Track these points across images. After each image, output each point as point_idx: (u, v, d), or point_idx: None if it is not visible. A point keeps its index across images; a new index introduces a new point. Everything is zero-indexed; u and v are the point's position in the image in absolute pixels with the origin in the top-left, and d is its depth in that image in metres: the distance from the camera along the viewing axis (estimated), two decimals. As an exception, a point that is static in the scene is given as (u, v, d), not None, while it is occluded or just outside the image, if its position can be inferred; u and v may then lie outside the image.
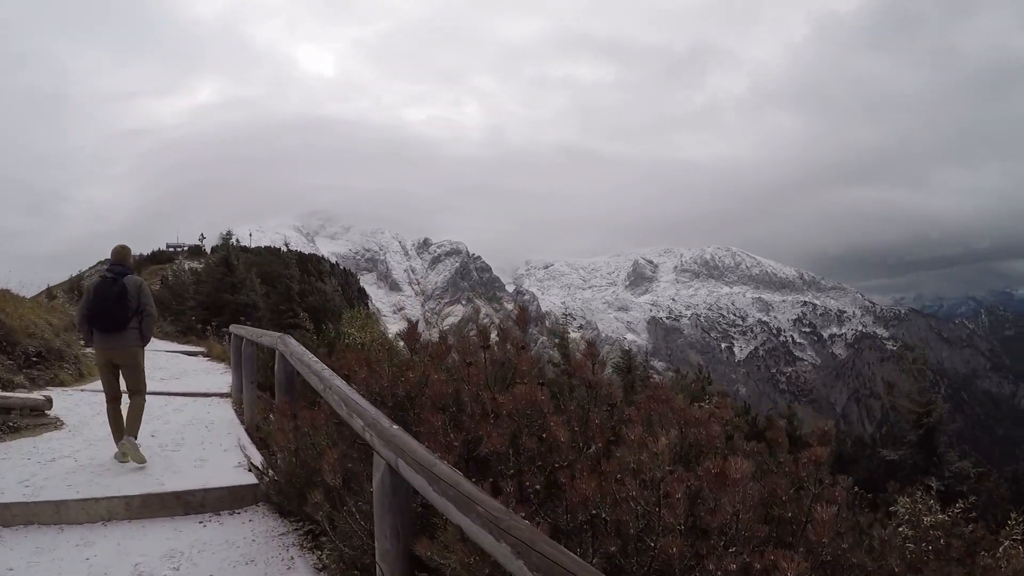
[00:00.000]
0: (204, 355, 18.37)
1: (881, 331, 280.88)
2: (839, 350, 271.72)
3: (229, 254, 27.77)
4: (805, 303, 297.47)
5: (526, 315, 4.31)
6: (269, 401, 7.19)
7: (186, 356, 17.90)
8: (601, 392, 3.42)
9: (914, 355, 20.63)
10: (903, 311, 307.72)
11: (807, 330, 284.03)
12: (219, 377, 13.46)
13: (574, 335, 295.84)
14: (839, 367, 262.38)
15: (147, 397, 6.60)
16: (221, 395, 10.61)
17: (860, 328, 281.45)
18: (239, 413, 8.86)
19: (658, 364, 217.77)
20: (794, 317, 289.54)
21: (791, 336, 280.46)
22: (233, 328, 10.06)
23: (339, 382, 4.17)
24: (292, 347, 5.89)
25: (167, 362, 15.59)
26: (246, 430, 7.71)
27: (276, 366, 6.27)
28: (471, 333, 4.04)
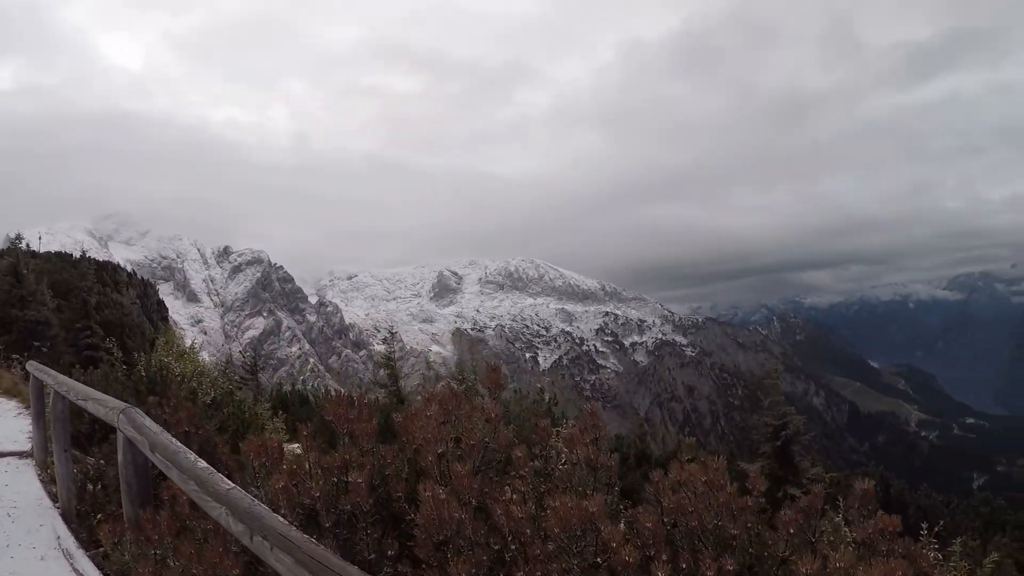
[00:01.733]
0: (-12, 386, 15.83)
1: (680, 338, 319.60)
2: (640, 357, 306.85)
3: (18, 262, 27.03)
4: (607, 313, 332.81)
5: (499, 377, 3.98)
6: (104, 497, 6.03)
7: None
8: (600, 474, 3.32)
9: (769, 371, 24.69)
10: (701, 319, 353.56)
11: (609, 339, 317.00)
12: (10, 421, 11.24)
13: (378, 348, 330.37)
14: (641, 373, 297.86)
15: None
16: (17, 454, 8.62)
17: (660, 336, 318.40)
18: (47, 485, 7.12)
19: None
20: (596, 327, 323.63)
21: (594, 345, 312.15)
22: (34, 369, 8.21)
23: (262, 509, 2.95)
24: (153, 436, 4.06)
25: None
26: (63, 517, 6.12)
27: (120, 455, 4.48)
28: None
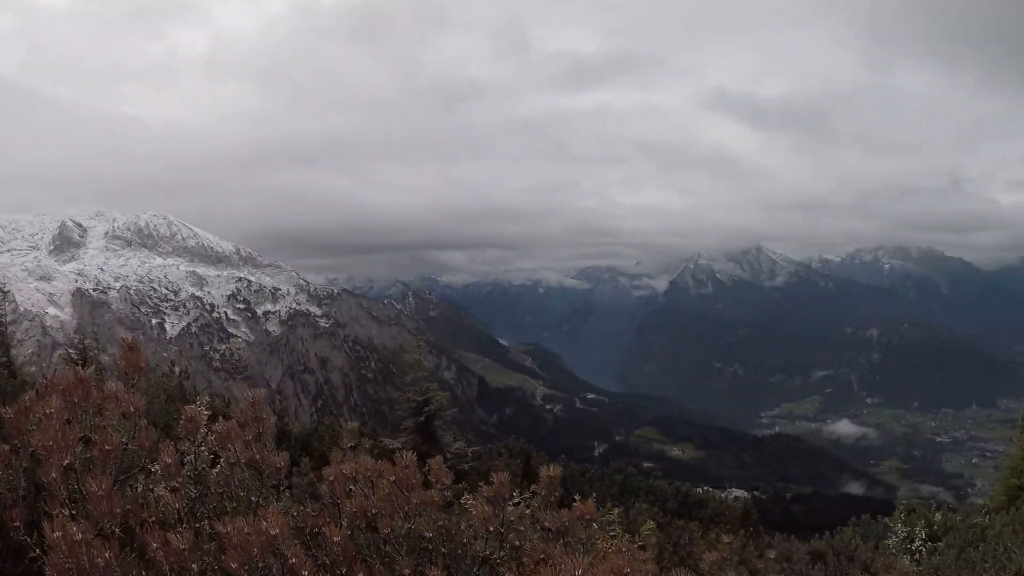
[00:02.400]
0: None
1: (314, 309, 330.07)
2: (273, 327, 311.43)
3: None
4: (240, 279, 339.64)
5: (139, 358, 3.21)
6: None
7: None
8: (268, 477, 2.98)
9: (411, 347, 25.55)
10: (336, 291, 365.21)
11: (241, 306, 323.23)
12: None
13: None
14: (273, 344, 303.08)
15: None
16: None
17: (294, 306, 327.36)
18: None
19: (86, 343, 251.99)
20: (228, 293, 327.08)
21: (225, 312, 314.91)
22: None
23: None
24: None
25: None
26: None
27: None
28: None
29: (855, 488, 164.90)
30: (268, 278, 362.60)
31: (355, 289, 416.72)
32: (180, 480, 2.88)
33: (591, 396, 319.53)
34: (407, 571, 2.55)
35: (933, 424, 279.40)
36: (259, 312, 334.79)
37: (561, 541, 2.93)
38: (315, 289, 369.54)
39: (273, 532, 2.36)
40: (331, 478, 2.84)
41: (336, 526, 2.61)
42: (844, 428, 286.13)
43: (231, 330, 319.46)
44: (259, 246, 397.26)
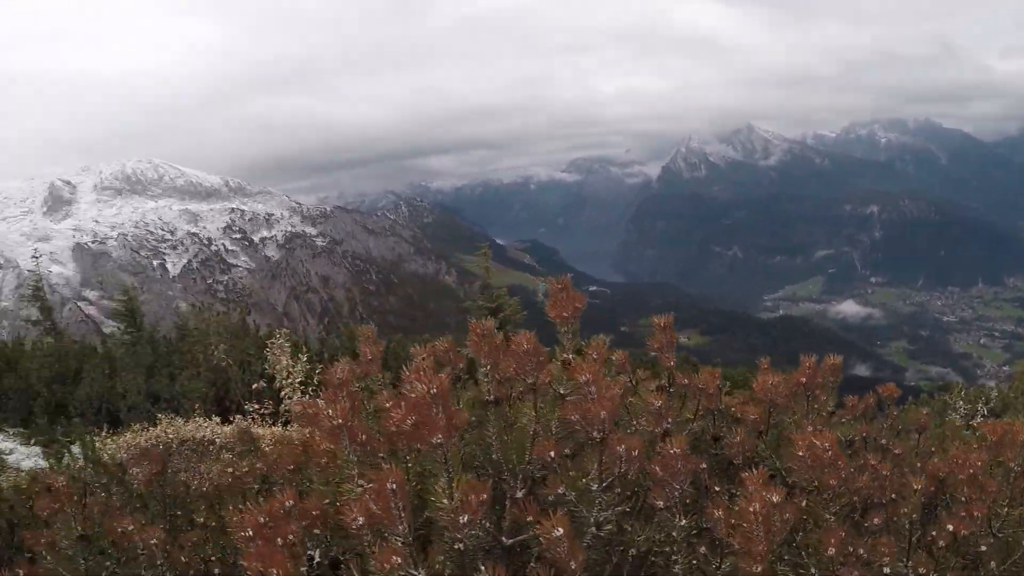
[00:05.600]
0: None
1: (310, 229, 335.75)
2: (272, 252, 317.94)
3: None
4: (233, 210, 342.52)
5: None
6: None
7: None
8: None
9: (479, 254, 22.48)
10: (329, 208, 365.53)
11: (238, 236, 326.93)
12: None
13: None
14: (274, 268, 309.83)
15: None
16: None
17: (289, 228, 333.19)
18: None
19: (91, 294, 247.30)
20: (223, 225, 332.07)
21: (223, 244, 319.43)
22: None
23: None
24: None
25: None
26: None
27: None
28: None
29: (862, 370, 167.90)
30: (260, 205, 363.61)
31: (347, 205, 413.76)
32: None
33: (593, 288, 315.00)
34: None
35: (939, 303, 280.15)
36: (256, 239, 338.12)
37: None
38: (308, 210, 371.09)
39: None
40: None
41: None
42: (849, 308, 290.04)
43: (231, 260, 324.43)
44: (246, 175, 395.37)
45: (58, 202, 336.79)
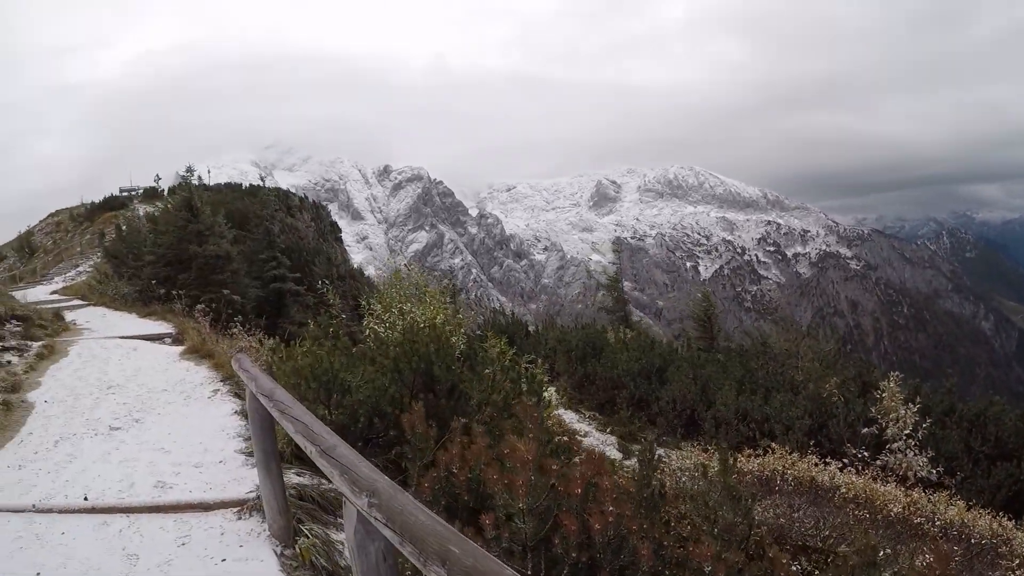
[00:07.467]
0: (172, 339, 14.11)
1: (844, 251, 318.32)
2: (803, 269, 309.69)
3: (191, 195, 26.83)
4: (769, 222, 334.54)
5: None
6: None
7: (147, 344, 13.43)
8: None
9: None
10: (866, 231, 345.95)
11: (771, 249, 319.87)
12: (212, 409, 8.11)
13: (539, 257, 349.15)
14: (803, 285, 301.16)
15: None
16: (234, 504, 5.23)
17: (824, 247, 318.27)
18: None
19: (625, 284, 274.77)
20: (758, 236, 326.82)
21: (755, 255, 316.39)
22: (240, 369, 5.05)
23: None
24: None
25: (122, 363, 10.99)
26: None
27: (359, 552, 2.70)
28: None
29: None
30: (796, 220, 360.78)
31: (885, 229, 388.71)
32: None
33: None
34: None
35: None
36: (789, 254, 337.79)
37: None
38: (844, 230, 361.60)
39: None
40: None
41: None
42: None
43: (762, 272, 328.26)
44: (783, 189, 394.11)
45: (603, 199, 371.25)
